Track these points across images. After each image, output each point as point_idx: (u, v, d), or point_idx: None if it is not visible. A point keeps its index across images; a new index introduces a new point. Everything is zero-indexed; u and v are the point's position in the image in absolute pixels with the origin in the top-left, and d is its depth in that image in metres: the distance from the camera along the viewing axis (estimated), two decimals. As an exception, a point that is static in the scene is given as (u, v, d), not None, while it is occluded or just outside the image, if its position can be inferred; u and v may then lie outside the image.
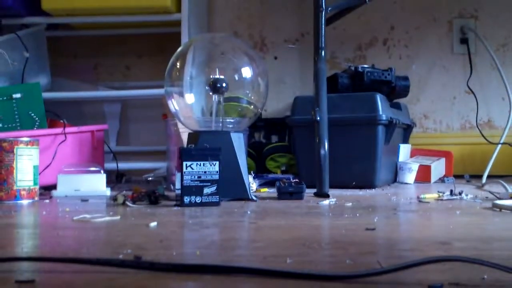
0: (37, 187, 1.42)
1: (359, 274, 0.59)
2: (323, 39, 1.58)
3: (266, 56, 2.38)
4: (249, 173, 1.53)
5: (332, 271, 0.62)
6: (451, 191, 1.41)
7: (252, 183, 1.56)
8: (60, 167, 1.60)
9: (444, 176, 2.05)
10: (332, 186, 1.55)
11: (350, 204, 1.29)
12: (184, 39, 2.00)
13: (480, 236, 0.86)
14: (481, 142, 2.22)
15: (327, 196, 1.46)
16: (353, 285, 0.57)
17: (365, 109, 1.74)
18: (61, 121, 1.76)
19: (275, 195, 1.45)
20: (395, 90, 1.94)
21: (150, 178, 2.03)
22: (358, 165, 1.72)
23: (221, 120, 1.42)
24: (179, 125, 1.62)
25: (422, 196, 1.39)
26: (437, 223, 1.05)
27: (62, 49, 2.41)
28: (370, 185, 1.72)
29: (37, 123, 1.82)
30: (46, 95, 1.98)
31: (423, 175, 1.95)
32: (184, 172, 1.24)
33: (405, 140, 2.08)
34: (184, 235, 0.92)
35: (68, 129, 1.71)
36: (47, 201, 1.42)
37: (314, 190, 1.51)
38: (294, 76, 2.38)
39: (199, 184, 1.24)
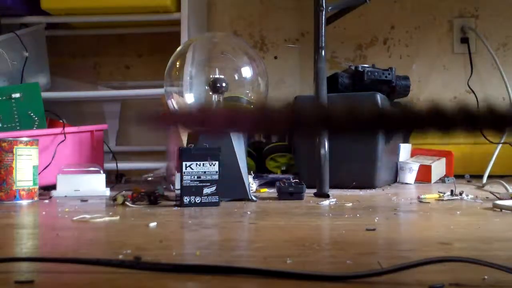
0: (37, 187, 1.42)
1: (359, 274, 0.58)
2: (323, 39, 1.58)
3: (266, 55, 2.38)
4: (249, 173, 1.53)
5: (332, 272, 0.61)
6: (452, 191, 1.41)
7: (252, 183, 1.56)
8: (60, 167, 1.59)
9: (445, 176, 2.04)
10: (332, 186, 1.55)
11: (350, 204, 1.28)
12: (184, 38, 1.99)
13: (481, 237, 0.86)
14: (481, 142, 2.21)
15: (327, 196, 1.46)
16: (353, 286, 0.57)
17: (365, 108, 1.73)
18: (61, 121, 1.75)
19: (275, 195, 1.44)
20: (395, 89, 1.93)
21: (150, 178, 2.03)
22: (358, 165, 1.72)
23: (221, 120, 1.41)
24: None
25: (422, 196, 1.39)
26: (437, 223, 1.04)
27: (62, 49, 2.41)
28: (371, 185, 1.71)
29: (36, 123, 1.82)
30: (46, 94, 1.97)
31: (424, 175, 1.95)
32: (184, 172, 1.23)
33: (406, 140, 2.07)
34: (184, 235, 0.92)
35: (67, 129, 1.70)
36: (47, 201, 1.42)
37: (314, 190, 1.51)
38: (294, 76, 2.37)
39: (199, 184, 1.24)
